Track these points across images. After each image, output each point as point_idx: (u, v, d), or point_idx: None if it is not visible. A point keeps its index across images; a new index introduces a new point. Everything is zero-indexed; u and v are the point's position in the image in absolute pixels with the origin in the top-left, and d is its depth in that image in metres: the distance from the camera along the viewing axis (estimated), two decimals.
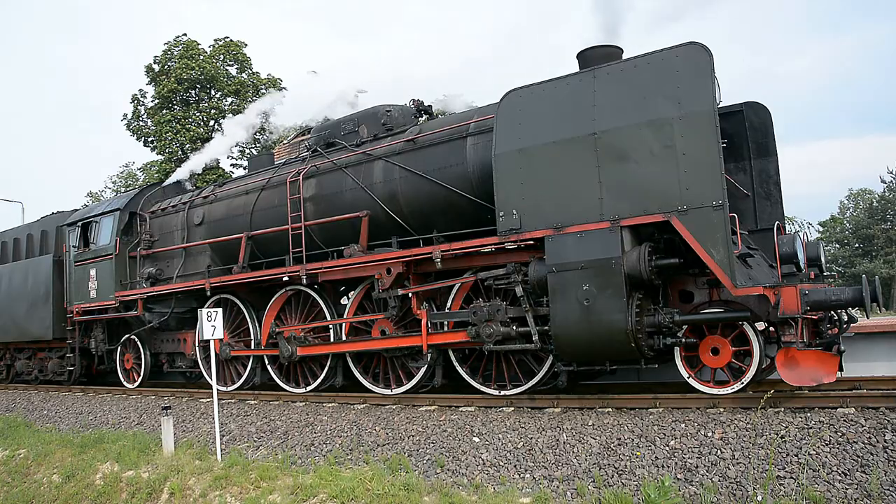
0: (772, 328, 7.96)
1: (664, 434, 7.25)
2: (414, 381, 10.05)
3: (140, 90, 30.40)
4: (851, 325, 7.90)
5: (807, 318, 7.38)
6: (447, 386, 10.21)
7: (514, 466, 7.52)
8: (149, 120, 30.03)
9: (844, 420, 6.73)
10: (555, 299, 8.02)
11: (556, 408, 8.63)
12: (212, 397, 10.05)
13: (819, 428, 6.65)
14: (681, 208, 7.34)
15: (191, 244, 13.38)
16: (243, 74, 30.44)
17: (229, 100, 30.01)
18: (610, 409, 8.19)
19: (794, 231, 9.31)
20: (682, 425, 7.31)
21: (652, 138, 7.54)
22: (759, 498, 6.01)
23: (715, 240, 7.17)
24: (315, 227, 11.08)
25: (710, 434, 7.03)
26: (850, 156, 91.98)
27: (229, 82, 29.74)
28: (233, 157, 30.28)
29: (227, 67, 30.19)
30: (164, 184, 15.91)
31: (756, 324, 7.79)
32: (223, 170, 28.41)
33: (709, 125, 7.26)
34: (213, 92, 30.12)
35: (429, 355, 9.71)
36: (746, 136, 9.22)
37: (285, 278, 11.32)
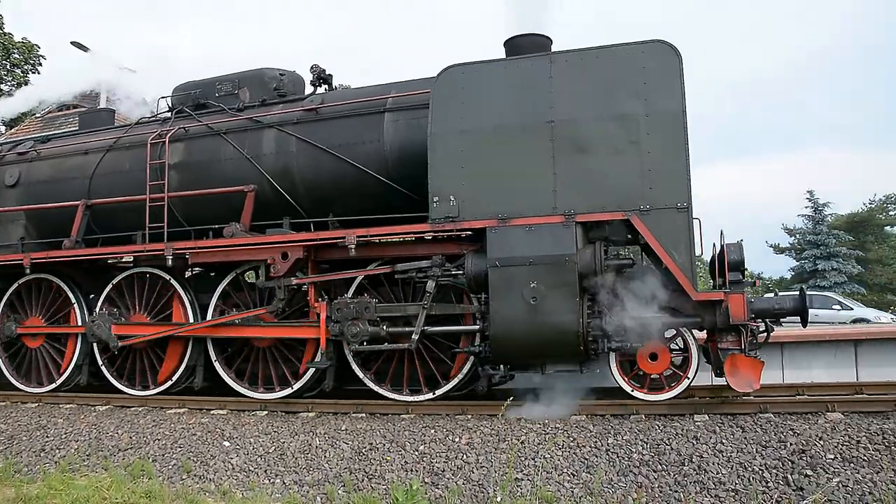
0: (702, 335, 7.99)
1: (414, 439, 7.44)
2: (302, 383, 8.81)
3: None
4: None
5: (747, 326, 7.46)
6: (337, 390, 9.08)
7: (265, 471, 7.39)
8: None
9: (576, 426, 7.24)
10: (496, 297, 7.43)
11: (311, 412, 8.54)
12: None
13: (555, 433, 7.12)
14: (643, 207, 7.14)
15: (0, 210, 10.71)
16: None
17: None
18: (364, 415, 8.30)
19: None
20: (432, 431, 7.54)
21: (615, 133, 7.28)
22: (499, 499, 6.32)
23: (677, 242, 7.06)
24: (178, 200, 9.33)
25: (457, 439, 7.31)
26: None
27: None
28: None
29: None
30: None
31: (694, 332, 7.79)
32: None
33: (677, 125, 7.16)
34: None
35: (324, 354, 8.53)
36: None
37: (126, 258, 9.43)
